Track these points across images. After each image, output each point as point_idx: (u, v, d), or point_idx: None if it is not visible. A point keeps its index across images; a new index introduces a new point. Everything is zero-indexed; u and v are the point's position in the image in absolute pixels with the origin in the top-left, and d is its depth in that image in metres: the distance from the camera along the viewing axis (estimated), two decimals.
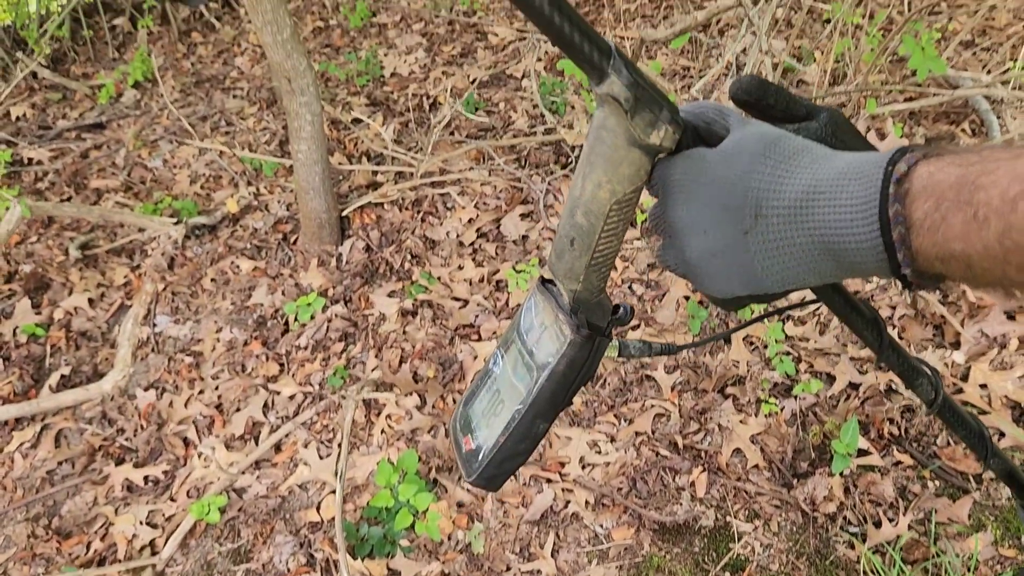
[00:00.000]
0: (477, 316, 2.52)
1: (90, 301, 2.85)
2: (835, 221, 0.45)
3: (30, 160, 3.59)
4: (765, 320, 2.27)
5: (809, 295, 0.73)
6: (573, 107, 3.18)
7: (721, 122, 0.57)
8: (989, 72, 2.80)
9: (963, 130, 2.71)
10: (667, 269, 0.59)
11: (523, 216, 2.80)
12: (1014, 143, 2.48)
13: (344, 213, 2.86)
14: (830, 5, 3.14)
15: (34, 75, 4.20)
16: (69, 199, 3.31)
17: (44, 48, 4.28)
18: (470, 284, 2.62)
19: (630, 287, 2.50)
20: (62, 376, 2.60)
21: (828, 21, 3.32)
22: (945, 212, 0.40)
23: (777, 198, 0.48)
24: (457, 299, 2.59)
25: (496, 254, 2.71)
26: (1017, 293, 0.41)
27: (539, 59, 3.51)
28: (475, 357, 2.38)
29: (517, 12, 4.02)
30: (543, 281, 0.68)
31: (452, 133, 3.21)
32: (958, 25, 2.94)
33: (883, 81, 2.85)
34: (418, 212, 2.90)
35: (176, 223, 2.99)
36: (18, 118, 3.95)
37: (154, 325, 2.74)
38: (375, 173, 3.07)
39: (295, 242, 2.92)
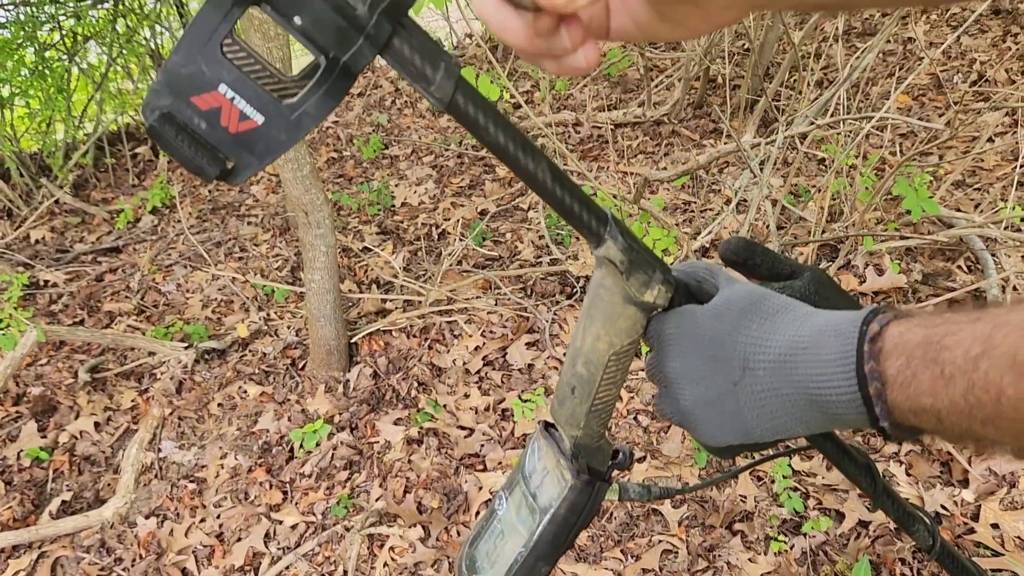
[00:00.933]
0: (483, 446, 2.52)
1: (96, 425, 2.85)
2: (817, 374, 0.49)
3: (46, 283, 3.67)
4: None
5: (802, 440, 0.77)
6: (578, 239, 3.27)
7: (711, 280, 0.62)
8: (981, 212, 2.89)
9: (959, 267, 2.78)
10: (664, 417, 0.63)
11: (529, 345, 2.84)
12: (1009, 283, 2.54)
13: (353, 340, 2.91)
14: (825, 147, 3.28)
15: (55, 200, 4.34)
16: (82, 322, 3.36)
17: (68, 176, 4.44)
18: (476, 413, 2.64)
19: (635, 418, 2.51)
20: (63, 502, 2.58)
21: (823, 161, 3.46)
22: (915, 369, 0.44)
23: (763, 352, 0.52)
24: (463, 428, 2.59)
25: (502, 382, 2.73)
26: (987, 446, 0.45)
27: None
28: (480, 488, 2.37)
29: None
30: (546, 425, 0.73)
31: (460, 262, 3.29)
32: (949, 166, 3.06)
33: (879, 219, 2.95)
34: (426, 340, 2.94)
35: (186, 348, 3.03)
36: (37, 241, 4.06)
37: (159, 450, 2.73)
38: (384, 301, 3.14)
39: (303, 368, 2.95)
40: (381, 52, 0.48)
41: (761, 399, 0.53)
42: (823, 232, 2.84)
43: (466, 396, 2.69)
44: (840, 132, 2.93)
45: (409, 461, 2.50)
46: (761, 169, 1.93)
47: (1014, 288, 2.57)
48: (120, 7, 4.69)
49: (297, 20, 0.45)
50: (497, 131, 0.52)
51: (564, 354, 2.85)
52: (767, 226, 2.41)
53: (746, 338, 0.54)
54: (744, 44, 4.31)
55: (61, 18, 4.53)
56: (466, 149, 4.26)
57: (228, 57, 0.45)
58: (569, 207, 0.56)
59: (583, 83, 4.58)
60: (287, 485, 2.53)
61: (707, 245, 2.99)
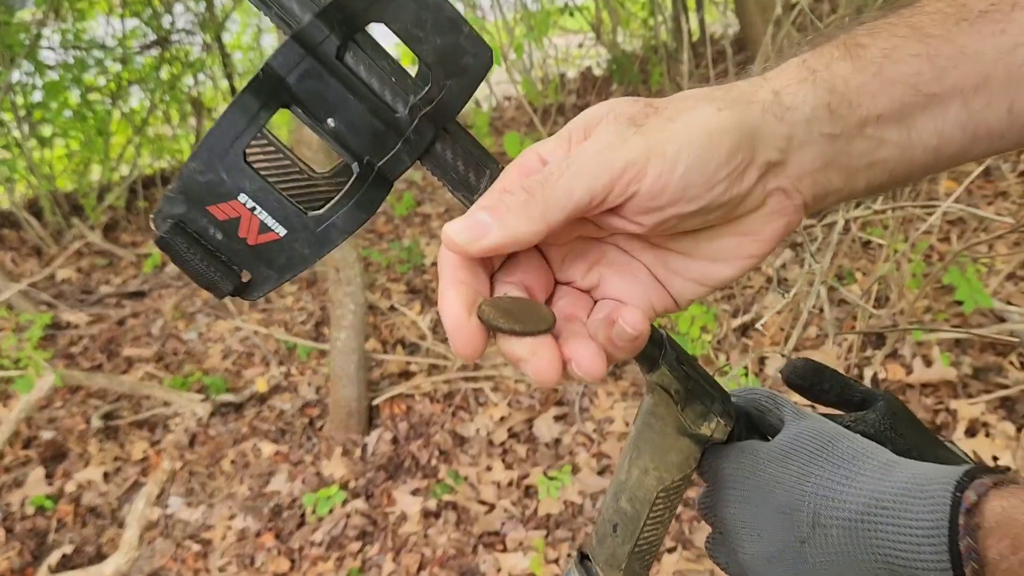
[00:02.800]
0: (504, 523, 2.39)
1: (105, 475, 2.76)
2: (901, 543, 0.43)
3: (68, 324, 3.62)
4: None
5: None
6: None
7: (775, 412, 0.56)
8: None
9: (1011, 362, 2.65)
10: (717, 566, 0.58)
11: (557, 418, 2.73)
12: None
13: (374, 402, 2.81)
14: (870, 230, 3.18)
15: (85, 241, 4.33)
16: (100, 366, 3.30)
17: (100, 217, 4.44)
18: (498, 487, 2.52)
19: None
20: (63, 555, 2.48)
21: (868, 243, 3.37)
22: None
23: (836, 507, 0.46)
24: (483, 503, 2.47)
25: (527, 456, 2.61)
26: None
27: None
28: (499, 571, 2.23)
29: None
30: (581, 557, 0.65)
31: None
32: (1001, 259, 2.95)
33: (926, 308, 2.83)
34: (449, 406, 2.84)
35: (203, 400, 2.95)
36: (63, 281, 4.03)
37: (166, 506, 2.63)
38: (409, 363, 3.05)
39: (321, 428, 2.85)
40: (420, 158, 0.45)
41: (832, 562, 0.47)
42: (869, 317, 2.73)
43: (488, 469, 2.57)
44: (888, 216, 2.84)
45: (425, 535, 2.38)
46: (815, 258, 1.83)
47: None
48: (166, 55, 4.76)
49: (330, 123, 0.43)
50: None
51: (594, 431, 2.75)
52: (819, 309, 2.30)
53: (816, 488, 0.48)
54: None
55: (107, 63, 4.60)
56: None
57: (251, 164, 0.42)
58: None
59: None
60: (296, 553, 2.41)
61: (747, 323, 2.89)
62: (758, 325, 2.28)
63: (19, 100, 4.31)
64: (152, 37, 4.70)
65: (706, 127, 0.42)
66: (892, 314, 2.79)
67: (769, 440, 0.53)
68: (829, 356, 2.70)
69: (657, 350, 0.52)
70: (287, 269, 0.44)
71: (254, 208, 0.42)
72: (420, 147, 0.44)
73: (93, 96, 4.55)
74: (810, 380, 0.60)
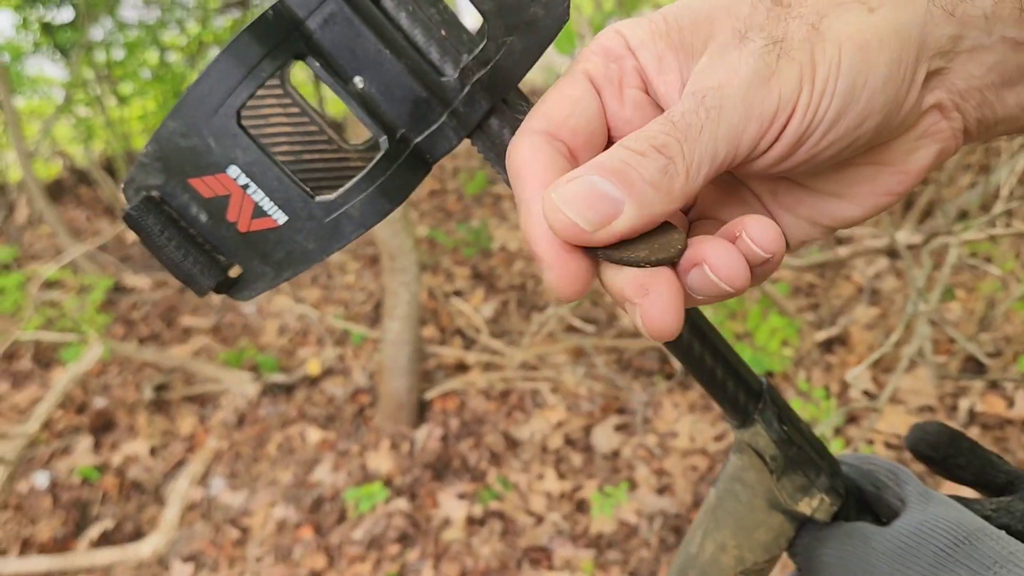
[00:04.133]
0: (552, 539, 2.24)
1: (152, 450, 2.72)
2: None
3: (131, 288, 3.60)
4: None
5: None
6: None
7: (894, 489, 0.45)
8: None
9: None
10: None
11: (617, 428, 2.55)
12: None
13: (426, 396, 2.68)
14: (974, 245, 2.89)
15: None
16: (157, 335, 3.26)
17: None
18: (549, 498, 2.37)
19: None
20: (104, 530, 2.44)
21: (972, 254, 3.07)
22: None
23: None
24: (532, 514, 2.33)
25: (582, 467, 2.45)
26: None
27: None
28: None
29: None
30: None
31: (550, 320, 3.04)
32: None
33: None
34: (504, 404, 2.69)
35: (254, 379, 2.87)
36: (132, 243, 4.02)
37: (208, 487, 2.57)
38: (465, 356, 2.91)
39: (371, 417, 2.74)
40: (470, 135, 0.36)
41: None
42: (968, 341, 2.47)
43: (540, 477, 2.42)
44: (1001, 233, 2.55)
45: (468, 544, 2.25)
46: (923, 297, 1.59)
47: None
48: (246, 16, 4.69)
49: (358, 82, 0.33)
50: None
51: (656, 445, 2.57)
52: (924, 352, 2.05)
53: None
54: None
55: (187, 23, 4.56)
56: None
57: (247, 129, 0.33)
58: (710, 370, 0.41)
59: None
60: (334, 549, 2.31)
61: (832, 338, 2.65)
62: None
63: (99, 58, 4.31)
64: None
65: (859, 39, 0.31)
66: (995, 339, 2.53)
67: (885, 524, 0.43)
68: (923, 383, 2.44)
69: (753, 402, 0.43)
70: (286, 265, 0.35)
71: (247, 186, 0.34)
72: (471, 122, 0.35)
73: (172, 56, 4.52)
74: (943, 451, 0.49)
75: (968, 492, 0.49)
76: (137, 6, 4.49)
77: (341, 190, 0.35)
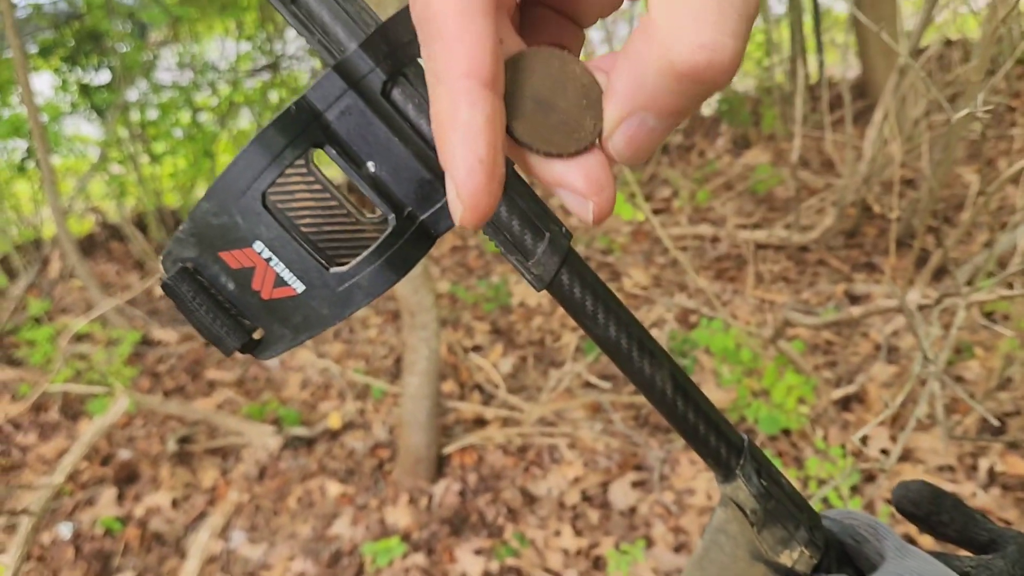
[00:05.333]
0: None
1: (174, 502, 2.75)
2: None
3: (158, 341, 3.68)
4: None
5: None
6: (703, 367, 2.99)
7: (874, 543, 0.47)
8: None
9: None
10: None
11: (635, 484, 2.56)
12: None
13: (445, 450, 2.71)
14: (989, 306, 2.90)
15: None
16: (182, 388, 3.32)
17: None
18: (565, 555, 2.37)
19: None
20: None
21: (990, 313, 3.07)
22: None
23: None
24: (549, 571, 2.32)
25: (599, 524, 2.45)
26: None
27: (669, 310, 3.38)
28: None
29: (655, 257, 3.97)
30: None
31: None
32: None
33: None
34: (522, 460, 2.71)
35: (275, 432, 2.91)
36: (160, 297, 4.11)
37: (229, 540, 2.59)
38: (483, 411, 2.94)
39: (390, 472, 2.77)
40: None
41: None
42: (982, 401, 2.46)
43: (557, 534, 2.43)
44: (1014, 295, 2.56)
45: None
46: (928, 358, 1.61)
47: None
48: (275, 79, 4.85)
49: (370, 167, 0.37)
50: (608, 321, 0.41)
51: (673, 502, 2.56)
52: (935, 412, 2.05)
53: None
54: (908, 176, 3.98)
55: (219, 85, 4.71)
56: (593, 252, 4.07)
57: (271, 209, 0.38)
58: (693, 426, 0.44)
59: (727, 196, 4.35)
60: None
61: (849, 396, 2.65)
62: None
63: (134, 118, 4.46)
64: (263, 61, 4.80)
65: None
66: (1015, 398, 2.52)
67: None
68: (938, 443, 2.44)
69: (735, 456, 0.45)
70: (303, 329, 0.39)
71: (270, 259, 0.38)
72: None
73: (203, 116, 4.67)
74: (926, 508, 0.51)
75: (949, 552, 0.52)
76: (171, 68, 4.66)
77: (353, 263, 0.39)
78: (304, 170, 0.39)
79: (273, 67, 4.81)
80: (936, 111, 3.33)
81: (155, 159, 4.65)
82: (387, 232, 0.38)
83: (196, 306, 0.38)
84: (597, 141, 0.33)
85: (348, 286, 0.39)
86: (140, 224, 4.64)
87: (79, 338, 3.42)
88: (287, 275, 0.39)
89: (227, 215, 0.37)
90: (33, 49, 4.18)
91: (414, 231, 0.38)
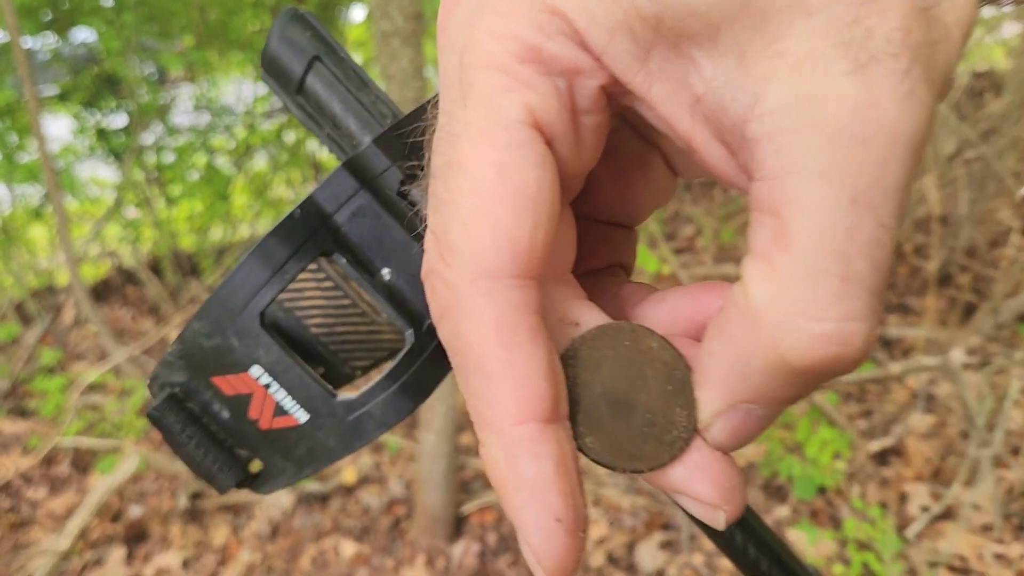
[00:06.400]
0: None
1: (184, 562, 2.66)
2: None
3: None
4: None
5: None
6: None
7: None
8: None
9: None
10: None
11: (662, 545, 2.44)
12: None
13: (463, 509, 2.61)
14: None
15: (192, 300, 4.38)
16: None
17: (215, 277, 4.49)
18: None
19: None
20: None
21: None
22: None
23: None
24: None
25: None
26: None
27: None
28: None
29: None
30: None
31: None
32: None
33: None
34: None
35: (289, 488, 2.82)
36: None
37: None
38: None
39: (407, 530, 2.66)
40: None
41: None
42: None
43: None
44: None
45: None
46: (981, 433, 1.50)
47: None
48: (292, 120, 4.82)
49: (385, 274, 0.34)
50: None
51: (703, 564, 2.44)
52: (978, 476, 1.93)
53: None
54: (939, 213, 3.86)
55: (235, 128, 4.69)
56: None
57: (270, 330, 0.34)
58: (753, 562, 0.39)
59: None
60: None
61: (887, 449, 2.53)
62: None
63: (150, 161, 4.44)
64: (279, 103, 4.78)
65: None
66: None
67: None
68: (984, 498, 2.31)
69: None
70: (307, 463, 0.35)
71: (269, 385, 0.34)
72: None
73: (219, 159, 4.64)
74: None
75: None
76: (187, 112, 4.65)
77: (363, 389, 0.34)
78: (314, 266, 0.36)
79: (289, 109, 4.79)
80: (968, 148, 3.23)
81: (171, 202, 4.63)
82: (403, 351, 0.34)
83: (185, 439, 0.34)
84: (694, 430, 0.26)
85: (358, 415, 0.35)
86: (155, 268, 4.59)
87: (91, 387, 3.36)
88: (288, 403, 0.35)
89: (221, 336, 0.34)
90: (53, 92, 4.18)
91: (434, 349, 0.34)
